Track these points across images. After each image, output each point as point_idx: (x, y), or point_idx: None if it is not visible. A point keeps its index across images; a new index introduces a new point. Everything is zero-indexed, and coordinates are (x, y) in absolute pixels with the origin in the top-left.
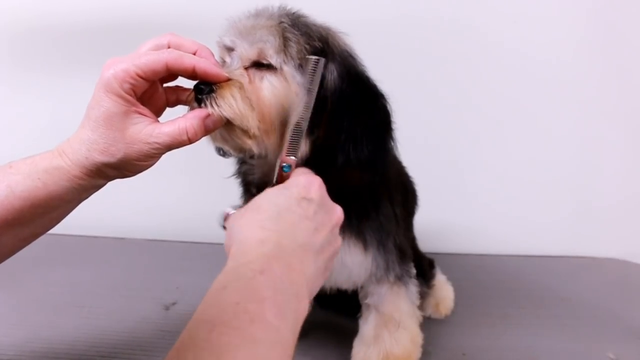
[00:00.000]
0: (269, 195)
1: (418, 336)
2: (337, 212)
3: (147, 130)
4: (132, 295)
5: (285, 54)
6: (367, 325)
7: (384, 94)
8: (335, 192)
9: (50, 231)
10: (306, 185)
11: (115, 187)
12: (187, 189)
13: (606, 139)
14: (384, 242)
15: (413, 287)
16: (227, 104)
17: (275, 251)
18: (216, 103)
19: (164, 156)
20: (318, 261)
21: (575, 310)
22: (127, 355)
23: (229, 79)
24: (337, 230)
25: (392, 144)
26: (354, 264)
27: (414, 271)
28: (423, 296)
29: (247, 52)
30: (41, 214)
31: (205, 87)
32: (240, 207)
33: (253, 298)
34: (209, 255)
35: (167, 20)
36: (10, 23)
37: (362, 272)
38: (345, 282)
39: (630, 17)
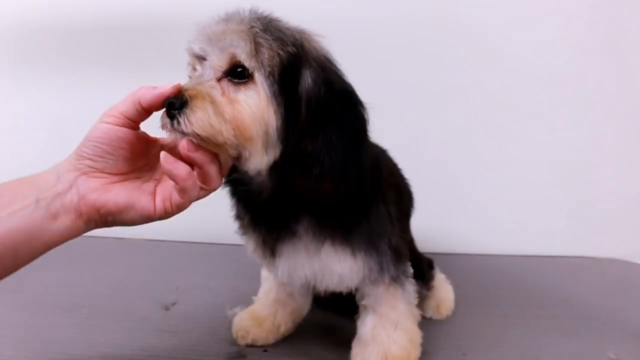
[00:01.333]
0: None
1: (417, 336)
2: None
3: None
4: (132, 295)
5: (257, 60)
6: (365, 326)
7: (361, 100)
8: (314, 201)
9: None
10: None
11: None
12: None
13: (606, 139)
14: (375, 245)
15: (410, 287)
16: (199, 119)
17: None
18: (188, 119)
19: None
20: None
21: (575, 310)
22: (127, 355)
23: (179, 90)
24: None
25: (367, 152)
26: (344, 269)
27: (410, 271)
28: (423, 297)
29: (218, 59)
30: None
31: (177, 101)
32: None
33: None
34: (209, 255)
35: (169, 21)
36: (17, 24)
37: (354, 276)
38: (337, 286)
39: (630, 16)
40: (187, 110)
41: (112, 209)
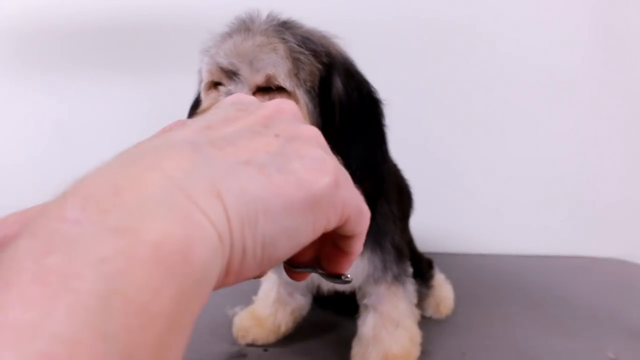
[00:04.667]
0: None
1: (417, 335)
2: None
3: None
4: None
5: (297, 78)
6: (366, 326)
7: (380, 99)
8: None
9: None
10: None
11: None
12: None
13: (606, 138)
14: (380, 243)
15: (410, 286)
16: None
17: (110, 167)
18: None
19: None
20: (217, 158)
21: (575, 310)
22: None
23: None
24: (274, 121)
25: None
26: (351, 267)
27: (411, 270)
28: (422, 297)
29: (252, 77)
30: None
31: None
32: None
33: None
34: None
35: (171, 21)
36: (17, 25)
37: (359, 274)
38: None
39: (630, 16)
40: None
41: None
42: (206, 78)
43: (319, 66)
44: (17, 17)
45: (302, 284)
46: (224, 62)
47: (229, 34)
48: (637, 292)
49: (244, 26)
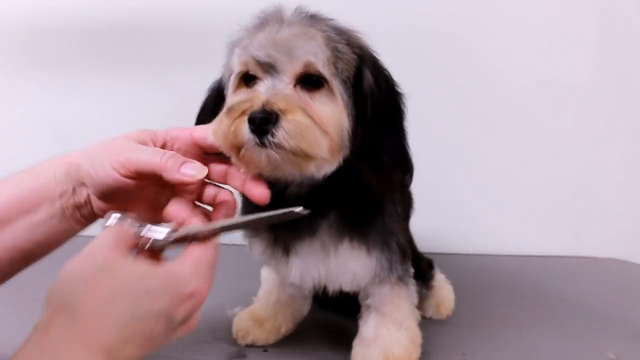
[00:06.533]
0: (135, 283)
1: (418, 336)
2: (191, 327)
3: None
4: None
5: (335, 67)
6: (367, 326)
7: (403, 93)
8: (350, 196)
9: None
10: (182, 299)
11: None
12: None
13: (606, 139)
14: (388, 242)
15: (412, 287)
16: (299, 134)
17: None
18: (287, 133)
19: None
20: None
21: (575, 310)
22: None
23: (262, 103)
24: (173, 338)
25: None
26: (358, 266)
27: (412, 271)
28: (423, 297)
29: (292, 67)
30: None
31: (270, 116)
32: (138, 224)
33: None
34: None
35: (171, 22)
36: (17, 26)
37: (366, 274)
38: (349, 284)
39: (630, 17)
40: (284, 124)
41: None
42: (238, 70)
43: (354, 56)
44: (18, 17)
45: (309, 285)
46: (260, 54)
47: (261, 26)
48: (637, 292)
49: (277, 17)
